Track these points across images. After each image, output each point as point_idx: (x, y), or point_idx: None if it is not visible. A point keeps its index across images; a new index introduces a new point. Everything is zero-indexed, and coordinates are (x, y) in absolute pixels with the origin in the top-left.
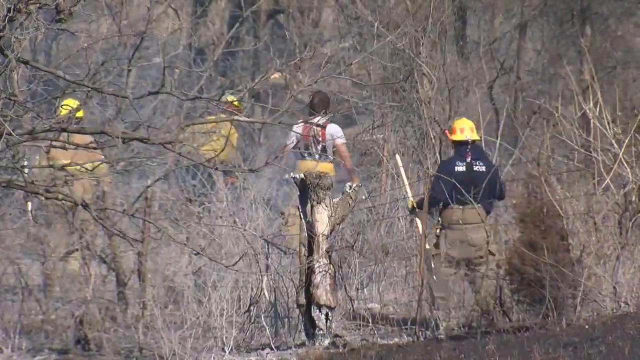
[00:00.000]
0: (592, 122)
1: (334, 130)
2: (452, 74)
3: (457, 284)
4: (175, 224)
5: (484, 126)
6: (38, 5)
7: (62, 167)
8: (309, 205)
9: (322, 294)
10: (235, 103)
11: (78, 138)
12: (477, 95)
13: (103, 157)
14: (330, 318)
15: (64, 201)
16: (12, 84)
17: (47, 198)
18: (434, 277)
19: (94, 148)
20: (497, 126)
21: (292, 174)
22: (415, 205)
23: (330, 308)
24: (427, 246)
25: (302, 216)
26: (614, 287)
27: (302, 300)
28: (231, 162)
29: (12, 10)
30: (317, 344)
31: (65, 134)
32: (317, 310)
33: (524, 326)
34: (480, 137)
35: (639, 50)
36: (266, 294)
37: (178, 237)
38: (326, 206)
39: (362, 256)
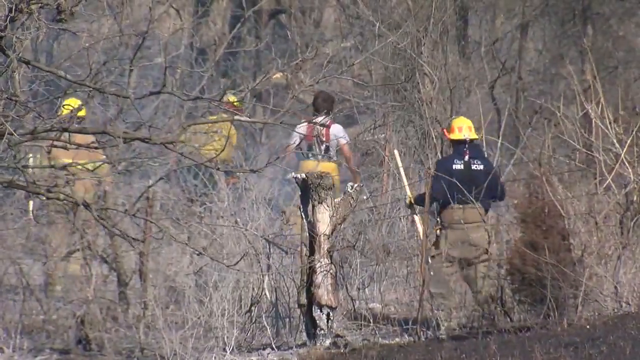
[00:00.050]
0: (593, 122)
1: (338, 130)
2: (454, 73)
3: (459, 284)
4: (177, 224)
5: (485, 126)
6: (39, 5)
7: (64, 167)
8: (310, 205)
9: (324, 293)
10: (236, 103)
11: (79, 138)
12: (478, 95)
13: (105, 157)
14: (332, 318)
15: (65, 201)
16: (14, 84)
17: (48, 198)
18: (431, 272)
19: (96, 148)
20: (498, 126)
21: (293, 174)
22: (413, 202)
23: (331, 308)
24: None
25: (303, 216)
26: (615, 287)
27: (304, 300)
28: (232, 161)
29: (13, 10)
30: (318, 344)
31: (66, 133)
32: (319, 310)
33: (525, 326)
34: (482, 137)
35: None
36: (267, 294)
37: (179, 237)
38: (327, 206)
39: (364, 256)
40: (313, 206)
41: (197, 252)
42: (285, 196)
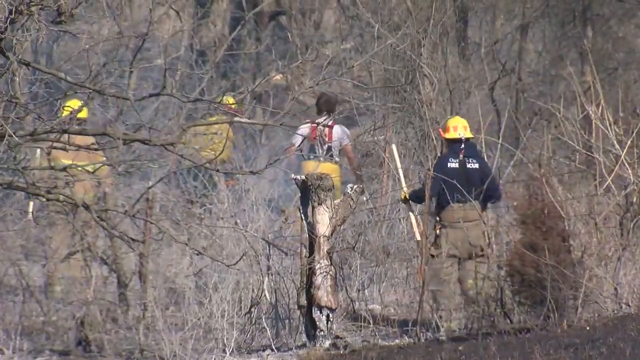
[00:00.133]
0: (593, 123)
1: (341, 131)
2: (454, 75)
3: (458, 286)
4: (177, 225)
5: (485, 127)
6: (39, 6)
7: (64, 169)
8: (310, 207)
9: (323, 295)
10: (233, 105)
11: (79, 139)
12: (478, 96)
13: (105, 158)
14: (331, 319)
15: (65, 202)
16: (14, 85)
17: (48, 199)
18: (433, 268)
19: (95, 149)
20: (498, 127)
21: (293, 175)
22: (407, 197)
23: (331, 309)
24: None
25: (303, 217)
26: (615, 289)
27: (303, 301)
28: (231, 162)
29: (13, 12)
30: (318, 345)
31: (66, 135)
32: (318, 312)
33: (525, 327)
34: (482, 138)
35: None
36: (267, 295)
37: (179, 239)
38: (327, 207)
39: (363, 257)
40: (313, 207)
41: (197, 252)
42: (286, 197)
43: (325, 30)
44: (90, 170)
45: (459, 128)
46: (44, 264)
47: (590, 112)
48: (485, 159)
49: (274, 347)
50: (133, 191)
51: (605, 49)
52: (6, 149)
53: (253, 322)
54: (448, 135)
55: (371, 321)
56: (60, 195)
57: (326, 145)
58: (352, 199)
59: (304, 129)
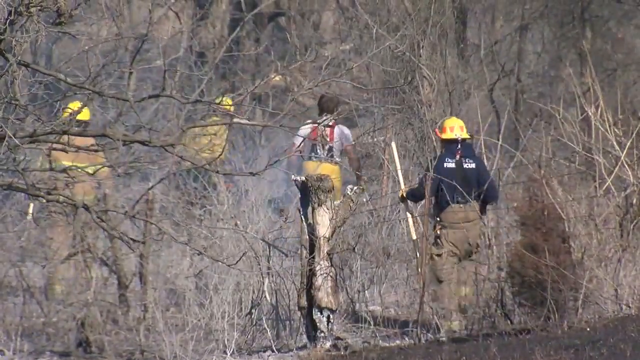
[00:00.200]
0: (593, 124)
1: (343, 131)
2: (453, 76)
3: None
4: (177, 226)
5: (485, 129)
6: (39, 8)
7: (64, 170)
8: (310, 208)
9: (324, 296)
10: (231, 108)
11: (79, 140)
12: (477, 98)
13: (105, 159)
14: (332, 320)
15: (65, 204)
16: (13, 87)
17: (48, 200)
18: (433, 267)
19: (95, 151)
20: (498, 129)
21: (293, 176)
22: (405, 195)
23: (331, 310)
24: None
25: (303, 219)
26: (615, 290)
27: (304, 302)
28: (230, 162)
29: (13, 13)
30: (319, 346)
31: (66, 136)
32: (319, 313)
33: (526, 328)
34: (481, 139)
35: (639, 53)
36: (267, 296)
37: (179, 238)
38: (327, 209)
39: (364, 258)
40: (313, 209)
41: (197, 252)
42: (286, 198)
43: (324, 32)
44: (90, 171)
45: (455, 128)
46: (44, 265)
47: (590, 113)
48: (483, 160)
49: (274, 348)
50: (133, 192)
51: (604, 50)
52: (6, 151)
53: (254, 323)
54: (444, 136)
55: (372, 322)
56: (60, 197)
57: (327, 146)
58: (352, 200)
59: (305, 130)
